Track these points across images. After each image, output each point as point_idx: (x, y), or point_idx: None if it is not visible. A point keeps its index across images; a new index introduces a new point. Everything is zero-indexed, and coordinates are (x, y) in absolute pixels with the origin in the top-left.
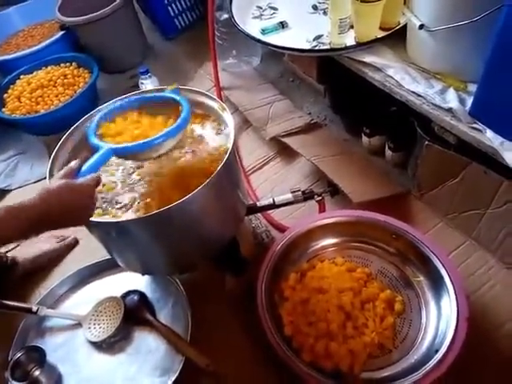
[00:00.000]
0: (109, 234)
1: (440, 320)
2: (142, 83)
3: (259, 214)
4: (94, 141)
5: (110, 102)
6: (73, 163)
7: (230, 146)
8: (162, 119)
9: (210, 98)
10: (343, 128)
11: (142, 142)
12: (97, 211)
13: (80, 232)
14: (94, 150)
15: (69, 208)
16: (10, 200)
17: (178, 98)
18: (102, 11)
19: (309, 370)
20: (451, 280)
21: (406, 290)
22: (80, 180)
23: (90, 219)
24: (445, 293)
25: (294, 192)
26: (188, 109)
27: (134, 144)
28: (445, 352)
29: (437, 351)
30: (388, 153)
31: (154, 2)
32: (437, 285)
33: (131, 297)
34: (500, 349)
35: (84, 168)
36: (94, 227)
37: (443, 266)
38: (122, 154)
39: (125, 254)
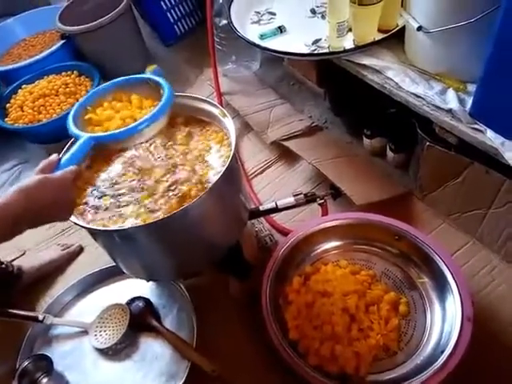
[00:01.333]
0: (112, 240)
1: (445, 321)
2: None
3: (262, 218)
4: (73, 130)
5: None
6: (52, 156)
7: (231, 151)
8: (151, 101)
9: (211, 104)
10: (344, 130)
11: (123, 129)
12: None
13: (85, 239)
14: (74, 139)
15: (48, 203)
16: None
17: (157, 79)
18: (101, 19)
19: (315, 373)
20: (455, 281)
21: (411, 291)
22: (58, 173)
23: (94, 227)
24: (449, 293)
25: (296, 195)
26: (170, 90)
27: (115, 132)
28: (450, 353)
29: (442, 352)
30: (389, 154)
31: (154, 8)
32: (441, 286)
33: (136, 303)
34: (506, 348)
35: (63, 160)
36: (97, 234)
37: (447, 266)
38: (104, 141)
39: (129, 260)
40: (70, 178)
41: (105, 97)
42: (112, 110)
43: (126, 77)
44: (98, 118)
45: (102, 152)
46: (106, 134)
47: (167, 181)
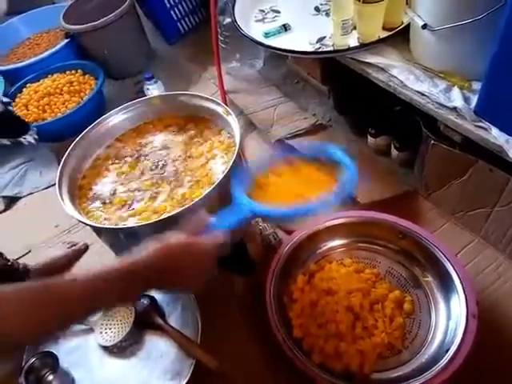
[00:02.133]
0: (117, 238)
1: (450, 319)
2: (148, 89)
3: None
4: (239, 195)
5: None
6: (203, 214)
7: (235, 149)
8: (323, 178)
9: (215, 102)
10: (348, 129)
11: (288, 210)
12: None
13: (90, 237)
14: (235, 201)
15: (185, 270)
16: (20, 207)
17: (344, 159)
18: (105, 18)
19: (319, 371)
20: (460, 279)
21: (415, 289)
22: (207, 240)
23: (99, 225)
24: (454, 292)
25: None
26: (354, 175)
27: (279, 211)
28: (455, 351)
29: (447, 351)
30: (394, 152)
31: (157, 6)
32: (446, 284)
33: (141, 301)
34: (511, 345)
35: (218, 222)
36: (102, 232)
37: (452, 265)
38: (265, 216)
39: None
40: (217, 246)
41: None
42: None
43: (316, 150)
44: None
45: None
46: (270, 210)
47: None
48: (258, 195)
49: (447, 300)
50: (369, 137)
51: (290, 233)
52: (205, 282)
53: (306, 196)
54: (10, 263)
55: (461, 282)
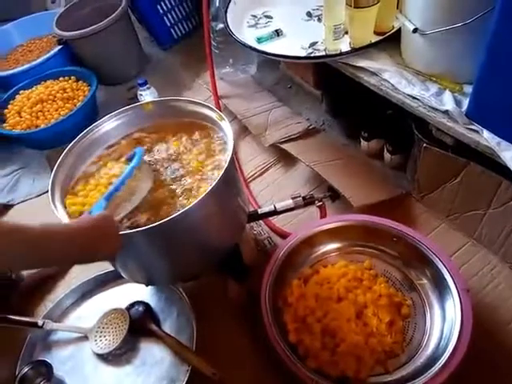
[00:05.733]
0: None
1: (445, 322)
2: (141, 95)
3: (261, 221)
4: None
5: None
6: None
7: (228, 154)
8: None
9: (208, 107)
10: (341, 132)
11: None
12: None
13: None
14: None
15: (105, 236)
16: (13, 215)
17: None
18: (98, 25)
19: (315, 376)
20: (454, 282)
21: (410, 293)
22: (102, 212)
23: None
24: (448, 295)
25: (295, 198)
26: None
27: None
28: (451, 354)
29: (443, 353)
30: (387, 156)
31: (150, 12)
32: (440, 287)
33: (136, 308)
34: (506, 347)
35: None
36: None
37: (446, 267)
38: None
39: (128, 265)
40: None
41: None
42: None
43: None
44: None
45: None
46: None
47: None
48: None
49: (442, 303)
50: (362, 140)
51: (284, 237)
52: (118, 243)
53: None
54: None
55: (455, 284)
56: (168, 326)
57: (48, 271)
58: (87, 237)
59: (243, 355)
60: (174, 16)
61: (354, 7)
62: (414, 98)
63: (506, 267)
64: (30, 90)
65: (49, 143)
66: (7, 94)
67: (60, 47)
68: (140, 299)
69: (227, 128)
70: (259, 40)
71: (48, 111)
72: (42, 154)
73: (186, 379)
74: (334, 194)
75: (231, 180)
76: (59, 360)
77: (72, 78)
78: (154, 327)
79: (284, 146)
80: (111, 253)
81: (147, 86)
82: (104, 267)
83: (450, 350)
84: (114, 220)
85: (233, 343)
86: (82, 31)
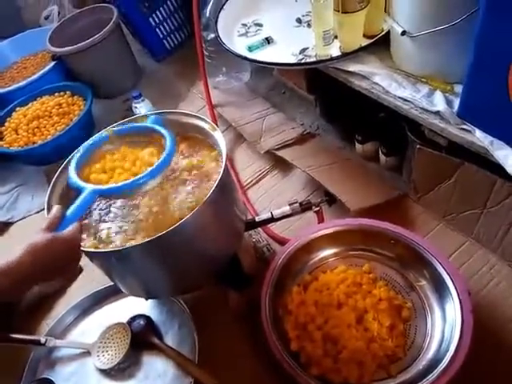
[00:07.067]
0: (108, 261)
1: (445, 323)
2: (136, 107)
3: (259, 229)
4: (77, 182)
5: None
6: (55, 210)
7: (222, 165)
8: (149, 151)
9: (200, 119)
10: (336, 136)
11: (125, 183)
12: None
13: (83, 259)
14: (77, 192)
15: (56, 262)
16: (14, 231)
17: (160, 129)
18: (91, 39)
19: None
20: (453, 282)
21: (410, 295)
22: (66, 232)
23: (87, 249)
24: (448, 296)
25: (292, 204)
26: (172, 142)
27: (117, 185)
28: (452, 356)
29: (444, 355)
30: (382, 158)
31: (142, 25)
32: (439, 288)
33: (137, 321)
34: (508, 346)
35: (68, 214)
36: (92, 256)
37: (444, 269)
38: (107, 194)
39: (126, 279)
40: (77, 237)
41: (103, 146)
42: (112, 162)
43: (127, 126)
44: (98, 169)
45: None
46: (109, 187)
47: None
48: (95, 180)
49: (442, 304)
50: (356, 143)
51: (283, 244)
52: (76, 266)
53: (138, 172)
54: None
55: (454, 285)
56: (170, 339)
57: (49, 289)
58: (30, 270)
59: (246, 364)
60: (167, 27)
61: (342, 12)
62: (406, 100)
63: (505, 265)
64: (26, 107)
65: (47, 159)
66: (3, 112)
67: (54, 63)
68: (141, 313)
69: (220, 138)
70: (250, 48)
71: (45, 127)
72: (41, 170)
73: None
74: (331, 199)
75: (226, 189)
76: (62, 377)
77: (67, 92)
78: (155, 340)
79: (279, 153)
80: (65, 277)
81: (141, 98)
82: (104, 282)
83: (453, 351)
84: (78, 243)
85: (235, 354)
86: (75, 46)
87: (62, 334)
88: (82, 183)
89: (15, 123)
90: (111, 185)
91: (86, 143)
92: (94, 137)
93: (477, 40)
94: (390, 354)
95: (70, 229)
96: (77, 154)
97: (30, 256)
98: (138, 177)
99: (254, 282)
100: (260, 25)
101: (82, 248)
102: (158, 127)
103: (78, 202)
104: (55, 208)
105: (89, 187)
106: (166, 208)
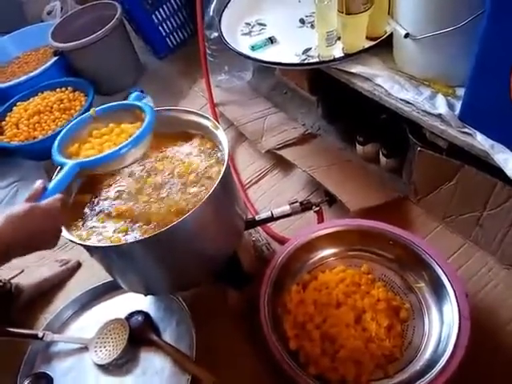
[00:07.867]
0: (109, 256)
1: (443, 325)
2: None
3: (259, 228)
4: (57, 158)
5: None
6: (37, 184)
7: (224, 163)
8: (134, 125)
9: (203, 116)
10: (337, 137)
11: (106, 153)
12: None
13: (82, 255)
14: (60, 167)
15: (36, 231)
16: None
17: (140, 104)
18: (94, 35)
19: (315, 382)
20: (451, 284)
21: (408, 296)
22: (45, 201)
23: (89, 244)
24: (446, 297)
25: (292, 204)
26: (152, 113)
27: (98, 156)
28: (449, 356)
29: (442, 356)
30: (382, 159)
31: (145, 22)
32: (437, 290)
33: (135, 318)
34: (506, 347)
35: (49, 188)
36: (93, 251)
37: (442, 270)
38: (89, 167)
39: (126, 275)
40: (57, 206)
41: (88, 126)
42: (100, 137)
43: (109, 105)
44: (87, 147)
45: (93, 177)
46: (89, 159)
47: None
48: (85, 156)
49: (440, 305)
50: (357, 144)
51: (282, 243)
52: (56, 238)
53: (118, 143)
54: (1, 284)
55: (452, 287)
56: (168, 335)
57: (47, 283)
58: (11, 239)
59: (244, 362)
60: (170, 25)
61: (346, 14)
62: (408, 102)
63: (503, 268)
64: (27, 102)
65: (46, 154)
66: (4, 106)
67: (56, 58)
68: (139, 309)
69: (222, 136)
70: (253, 48)
71: (45, 122)
72: (40, 165)
73: None
74: (331, 199)
75: (227, 188)
76: (60, 372)
77: (69, 88)
78: (153, 337)
79: (280, 152)
80: (45, 247)
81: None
82: (103, 278)
83: (449, 353)
84: (56, 212)
85: (233, 351)
86: (78, 42)
87: (60, 329)
88: (63, 159)
89: (16, 118)
90: (92, 157)
91: (69, 124)
92: (78, 118)
93: (481, 42)
94: (388, 353)
95: (49, 199)
96: (61, 133)
97: (10, 224)
98: (119, 147)
99: (253, 280)
100: (263, 24)
101: (81, 242)
102: (138, 103)
103: (59, 175)
104: (38, 182)
105: (70, 161)
106: (167, 203)
